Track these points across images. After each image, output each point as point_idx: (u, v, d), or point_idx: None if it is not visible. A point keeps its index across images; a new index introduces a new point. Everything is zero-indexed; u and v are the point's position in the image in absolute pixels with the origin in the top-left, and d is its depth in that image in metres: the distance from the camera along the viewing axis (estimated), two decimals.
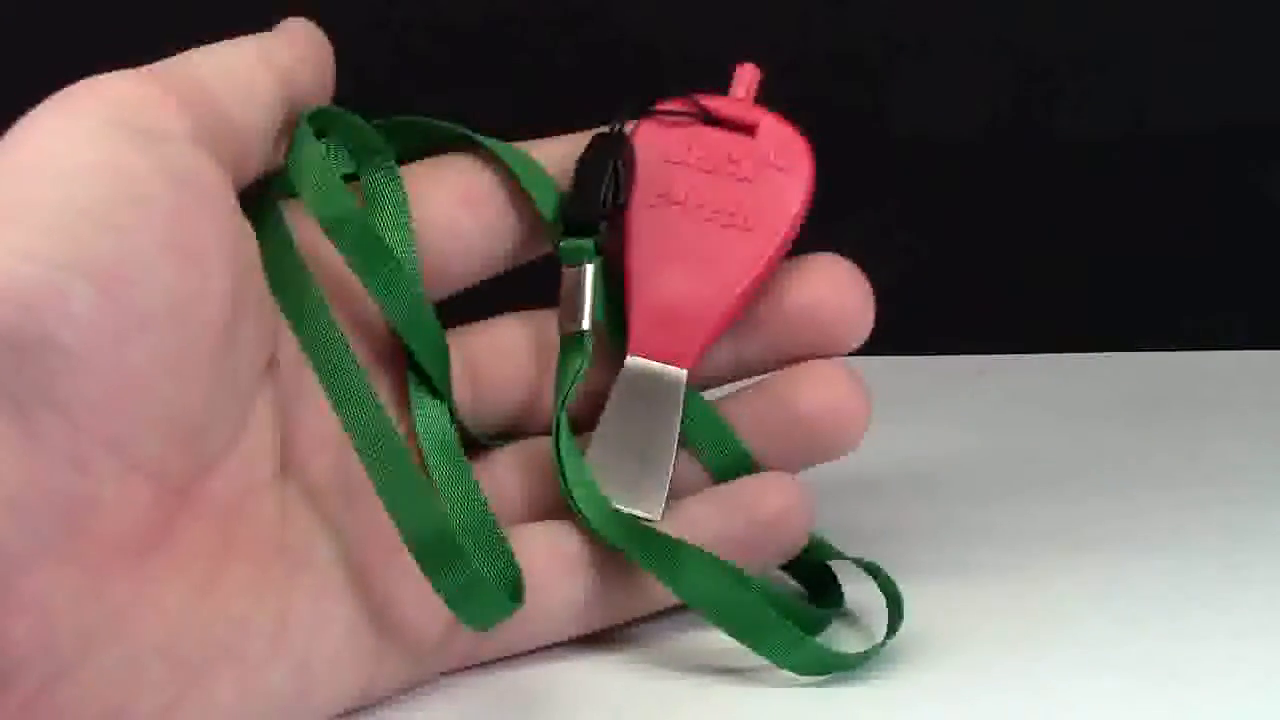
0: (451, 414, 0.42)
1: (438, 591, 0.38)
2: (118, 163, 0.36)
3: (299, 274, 0.40)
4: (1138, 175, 0.67)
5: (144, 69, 0.39)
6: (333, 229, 0.41)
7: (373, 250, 0.41)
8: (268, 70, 0.41)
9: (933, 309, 0.66)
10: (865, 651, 0.41)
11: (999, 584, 0.46)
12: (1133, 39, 0.66)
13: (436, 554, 0.38)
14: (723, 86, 0.45)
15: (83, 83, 0.38)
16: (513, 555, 0.40)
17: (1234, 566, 0.47)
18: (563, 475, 0.42)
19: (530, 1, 0.66)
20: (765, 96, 0.45)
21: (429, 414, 0.42)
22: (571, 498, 0.42)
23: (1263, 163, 0.67)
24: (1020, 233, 0.67)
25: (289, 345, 0.40)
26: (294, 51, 0.41)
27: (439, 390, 0.42)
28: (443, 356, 0.42)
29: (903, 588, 0.43)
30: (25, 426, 0.33)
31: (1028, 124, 0.67)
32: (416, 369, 0.42)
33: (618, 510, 0.42)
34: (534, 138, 0.45)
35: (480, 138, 0.44)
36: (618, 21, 0.65)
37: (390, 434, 0.38)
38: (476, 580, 0.38)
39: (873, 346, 0.44)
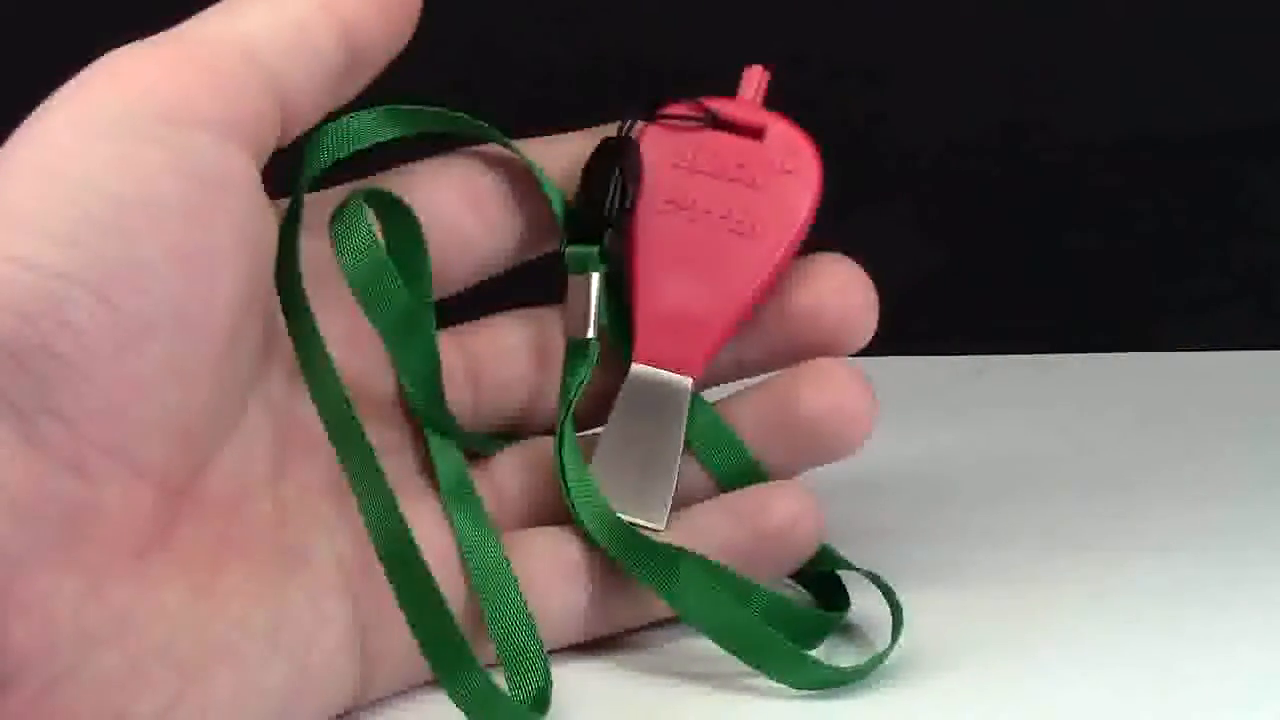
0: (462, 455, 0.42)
1: (455, 703, 0.38)
2: (130, 160, 0.35)
3: (319, 357, 0.39)
4: (1137, 176, 0.67)
5: (179, 36, 0.37)
6: (369, 303, 0.41)
7: (408, 342, 0.41)
8: (327, 18, 0.38)
9: (932, 309, 0.66)
10: (863, 665, 0.41)
11: (997, 584, 0.46)
12: (1132, 40, 0.66)
13: (452, 665, 0.38)
14: (728, 90, 0.45)
15: (101, 64, 0.36)
16: (546, 663, 0.40)
17: (1233, 566, 0.47)
18: (565, 486, 0.42)
19: (530, 3, 0.66)
20: (768, 98, 0.45)
21: (468, 524, 0.42)
22: (574, 509, 0.42)
23: (1262, 163, 0.67)
24: (1020, 233, 0.67)
25: (284, 341, 0.39)
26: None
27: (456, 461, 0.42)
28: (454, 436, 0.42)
29: (900, 588, 0.43)
30: (25, 432, 0.33)
31: (1027, 125, 0.67)
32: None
33: (620, 522, 0.42)
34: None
35: (492, 130, 0.43)
36: (617, 25, 0.65)
37: (409, 544, 0.38)
38: (493, 694, 0.38)
39: (872, 347, 0.44)
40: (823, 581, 0.45)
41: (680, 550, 0.41)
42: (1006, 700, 0.40)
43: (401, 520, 0.38)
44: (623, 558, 0.41)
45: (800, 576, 0.45)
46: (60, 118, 0.35)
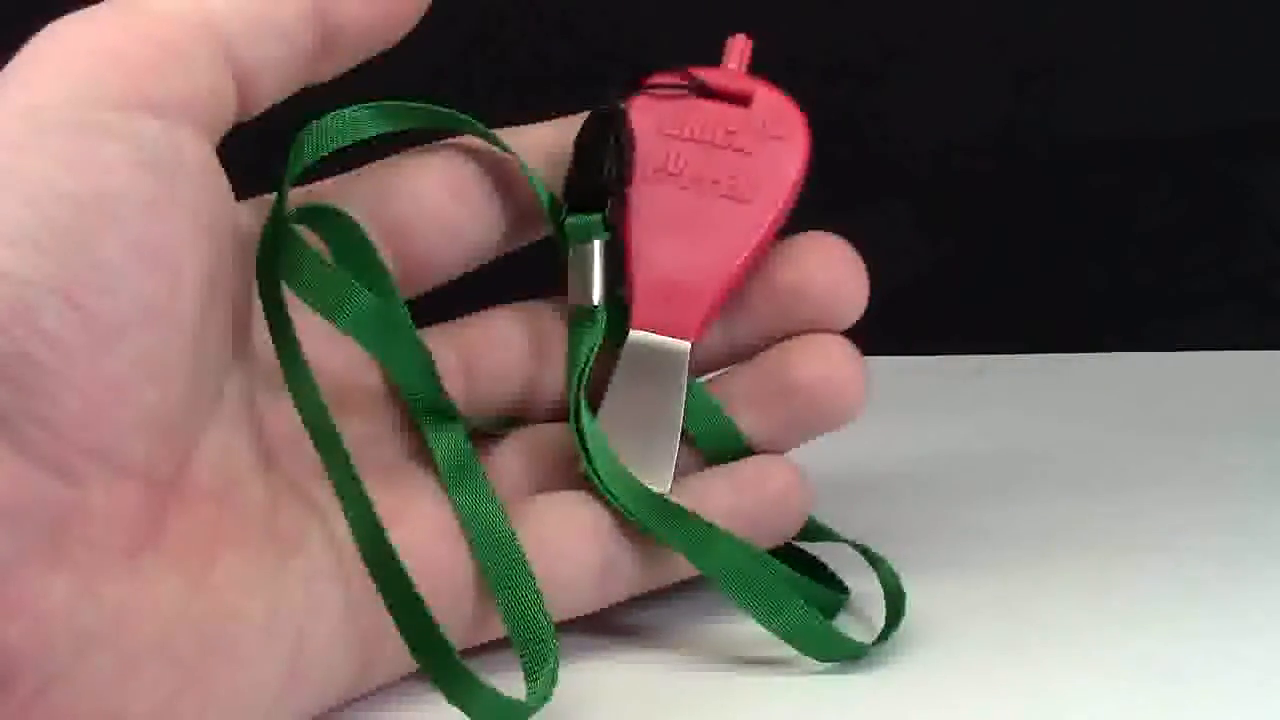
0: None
1: (452, 704, 0.38)
2: (84, 155, 0.34)
3: (307, 386, 0.39)
4: (1137, 175, 0.67)
5: (135, 4, 0.36)
6: (338, 318, 0.40)
7: (390, 339, 0.41)
8: None
9: (932, 309, 0.66)
10: (875, 640, 0.41)
11: (997, 583, 0.46)
12: (1132, 40, 0.66)
13: (448, 678, 0.38)
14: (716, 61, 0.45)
15: (50, 37, 0.35)
16: (554, 640, 0.40)
17: (1233, 565, 0.47)
18: (587, 455, 0.42)
19: (530, 3, 0.66)
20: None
21: (471, 499, 0.41)
22: (599, 478, 0.42)
23: (1262, 163, 0.67)
24: (1019, 233, 0.67)
25: (263, 333, 0.39)
26: None
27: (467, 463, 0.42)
28: (460, 440, 0.42)
29: (902, 585, 0.43)
30: (8, 438, 0.33)
31: (1027, 124, 0.67)
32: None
33: (648, 491, 0.42)
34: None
35: (473, 122, 0.43)
36: (617, 26, 0.65)
37: (392, 558, 0.38)
38: (491, 697, 0.38)
39: (872, 346, 0.44)
40: (814, 572, 0.45)
41: (710, 521, 0.42)
42: (1007, 698, 0.40)
43: (382, 531, 0.38)
44: (650, 523, 0.42)
45: (788, 564, 0.45)
46: (11, 108, 0.35)
